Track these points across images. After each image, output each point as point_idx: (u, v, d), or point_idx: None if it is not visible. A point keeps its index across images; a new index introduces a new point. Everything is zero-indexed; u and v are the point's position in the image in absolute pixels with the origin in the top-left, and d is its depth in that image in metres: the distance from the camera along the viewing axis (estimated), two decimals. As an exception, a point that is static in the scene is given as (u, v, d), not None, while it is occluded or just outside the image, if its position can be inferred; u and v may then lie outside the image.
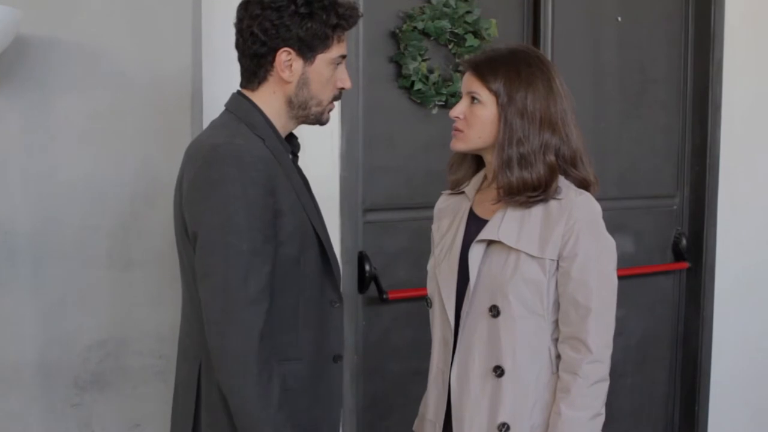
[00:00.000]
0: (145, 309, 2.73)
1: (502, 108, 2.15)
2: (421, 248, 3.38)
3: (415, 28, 3.29)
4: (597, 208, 2.19)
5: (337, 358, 2.16)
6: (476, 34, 3.38)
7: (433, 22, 3.30)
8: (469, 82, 2.20)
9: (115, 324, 2.69)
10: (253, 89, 2.09)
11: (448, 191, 2.40)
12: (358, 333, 3.27)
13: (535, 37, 3.66)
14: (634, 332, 4.01)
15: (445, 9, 3.32)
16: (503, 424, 2.15)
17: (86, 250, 2.64)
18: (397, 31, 3.28)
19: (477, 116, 2.18)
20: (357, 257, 3.22)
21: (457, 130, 2.22)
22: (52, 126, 2.59)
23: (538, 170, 2.14)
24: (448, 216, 2.34)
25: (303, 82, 2.06)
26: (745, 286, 4.19)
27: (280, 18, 2.00)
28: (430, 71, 3.33)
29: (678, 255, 4.13)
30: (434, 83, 3.32)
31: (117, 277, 2.69)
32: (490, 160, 2.22)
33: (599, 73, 3.87)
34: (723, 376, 4.19)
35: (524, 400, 2.16)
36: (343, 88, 2.14)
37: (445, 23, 3.32)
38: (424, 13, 3.30)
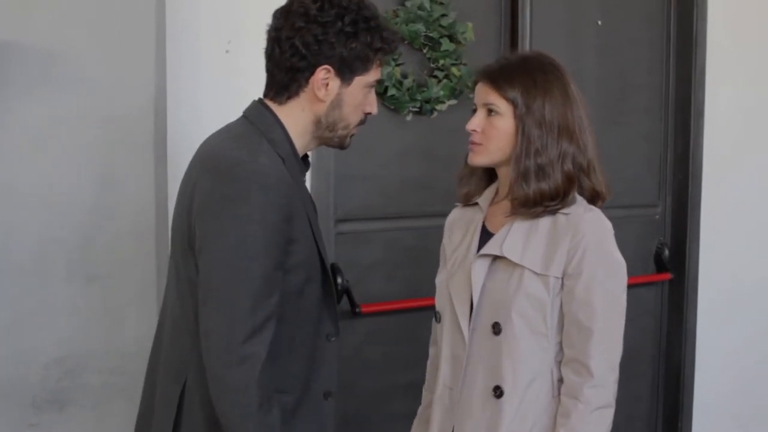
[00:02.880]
0: (107, 324, 2.71)
1: (520, 118, 2.16)
2: (395, 260, 3.40)
3: (388, 31, 3.29)
4: (607, 225, 2.20)
5: (327, 394, 2.13)
6: (452, 38, 3.39)
7: (407, 25, 3.31)
8: (485, 93, 2.21)
9: (76, 340, 2.68)
10: (280, 102, 2.05)
11: (461, 204, 2.39)
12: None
13: (513, 42, 3.67)
14: (616, 346, 4.02)
15: (420, 12, 3.33)
16: None
17: (45, 263, 2.62)
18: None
19: (496, 128, 2.19)
20: (329, 270, 3.22)
21: (475, 143, 2.22)
22: (9, 133, 2.57)
23: (556, 179, 2.16)
24: (460, 229, 2.34)
25: (336, 103, 2.04)
26: (729, 298, 4.22)
27: (324, 34, 1.98)
28: (404, 76, 3.34)
29: (660, 266, 4.16)
30: (408, 89, 3.33)
31: (77, 292, 2.67)
32: (506, 172, 2.23)
33: (579, 79, 3.80)
34: (707, 390, 4.22)
35: (522, 423, 2.15)
36: (369, 114, 2.13)
37: (420, 27, 3.33)
38: (398, 16, 3.32)
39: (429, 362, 2.45)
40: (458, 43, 3.41)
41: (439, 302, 2.32)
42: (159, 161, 2.75)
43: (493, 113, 2.19)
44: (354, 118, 2.09)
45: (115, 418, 2.73)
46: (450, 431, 2.25)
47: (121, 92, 2.69)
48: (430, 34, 3.37)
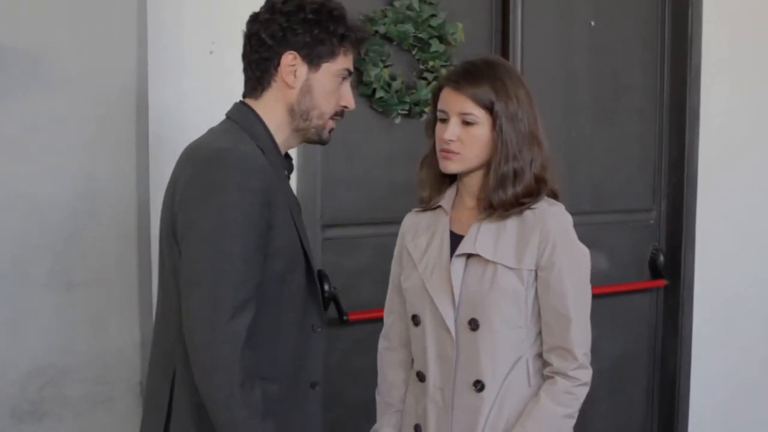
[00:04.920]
0: (88, 333, 2.72)
1: (499, 126, 2.26)
2: (384, 266, 3.37)
3: (376, 32, 3.31)
4: (570, 218, 2.33)
5: (315, 384, 2.24)
6: (441, 38, 3.41)
7: (395, 26, 3.33)
8: (459, 103, 2.28)
9: (56, 349, 2.68)
10: (256, 98, 2.17)
11: (419, 208, 2.48)
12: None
13: (504, 42, 3.69)
14: (610, 354, 4.04)
15: (409, 12, 3.34)
16: None
17: (25, 270, 2.63)
18: (358, 35, 3.29)
19: (474, 136, 2.27)
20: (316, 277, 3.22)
21: (451, 152, 2.29)
22: (-12, 136, 2.58)
23: (529, 181, 2.28)
24: (424, 233, 2.42)
25: (306, 89, 2.15)
26: (725, 304, 4.24)
27: (288, 22, 2.11)
28: (393, 78, 3.35)
29: (655, 272, 4.18)
30: (397, 91, 3.35)
31: (58, 299, 2.68)
32: (475, 176, 2.33)
33: (571, 80, 3.91)
34: (702, 398, 4.25)
35: (499, 413, 2.29)
36: (346, 107, 2.23)
37: (409, 27, 3.34)
38: (386, 16, 3.33)
39: (384, 360, 2.56)
40: (448, 44, 3.43)
41: (416, 306, 2.40)
42: (141, 164, 2.76)
43: (470, 122, 2.27)
44: (327, 106, 2.18)
45: (96, 428, 2.73)
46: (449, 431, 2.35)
47: (103, 93, 2.70)
48: (420, 35, 3.39)
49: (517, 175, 2.26)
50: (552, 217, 2.28)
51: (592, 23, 3.93)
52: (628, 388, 4.20)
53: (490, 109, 2.25)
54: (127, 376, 2.74)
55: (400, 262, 2.50)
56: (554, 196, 2.36)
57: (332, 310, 3.28)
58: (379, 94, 3.31)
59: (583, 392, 2.29)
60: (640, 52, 4.10)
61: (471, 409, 2.30)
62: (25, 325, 2.63)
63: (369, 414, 3.36)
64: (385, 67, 3.33)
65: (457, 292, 2.30)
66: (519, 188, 2.26)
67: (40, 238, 2.64)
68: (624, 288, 4.05)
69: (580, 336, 2.27)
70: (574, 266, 2.29)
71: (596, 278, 3.78)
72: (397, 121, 3.42)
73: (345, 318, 3.28)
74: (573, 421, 2.30)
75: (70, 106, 2.66)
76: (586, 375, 2.29)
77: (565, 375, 2.26)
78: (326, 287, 3.24)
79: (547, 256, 2.25)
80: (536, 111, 2.32)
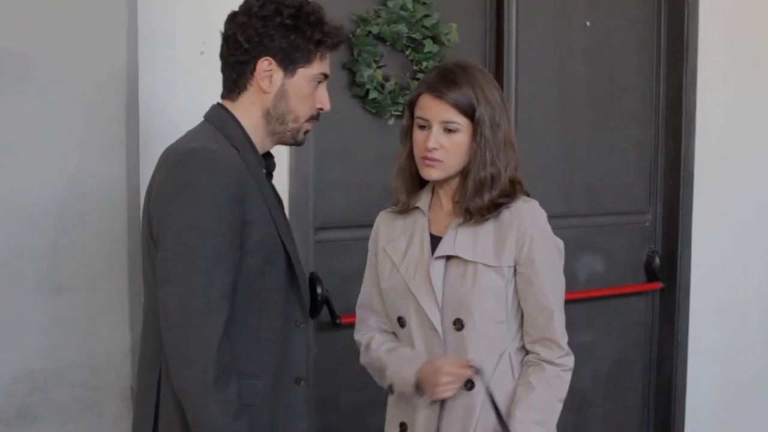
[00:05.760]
0: (77, 337, 2.70)
1: (479, 133, 2.30)
2: (376, 269, 3.39)
3: (369, 32, 3.30)
4: (544, 213, 2.40)
5: (300, 380, 2.24)
6: (435, 39, 3.41)
7: (389, 26, 3.32)
8: (442, 111, 2.31)
9: (44, 354, 2.66)
10: (233, 99, 2.21)
11: (392, 209, 2.52)
12: (309, 360, 3.26)
13: (499, 43, 3.69)
14: (605, 357, 4.03)
15: (402, 12, 3.34)
16: None
17: (11, 273, 2.61)
18: (351, 35, 3.29)
19: (456, 144, 2.32)
20: (308, 279, 3.21)
21: (435, 160, 2.32)
22: (-26, 137, 2.56)
23: (504, 185, 2.34)
24: (402, 234, 2.47)
25: (281, 94, 2.18)
26: (721, 307, 4.24)
27: (264, 27, 2.14)
28: (386, 79, 3.35)
29: (651, 275, 4.18)
30: (390, 92, 3.34)
31: (46, 303, 2.66)
32: (456, 180, 2.38)
33: (567, 82, 3.91)
34: (699, 402, 4.24)
35: (490, 410, 2.33)
36: (321, 109, 2.26)
37: (402, 28, 3.34)
38: (379, 16, 3.32)
39: (375, 334, 2.55)
40: (442, 44, 3.42)
41: (400, 308, 2.44)
42: (131, 166, 2.75)
43: (452, 130, 2.31)
44: (302, 110, 2.22)
45: (85, 434, 2.72)
46: (435, 430, 2.38)
47: (92, 95, 2.68)
48: (413, 35, 3.38)
49: (494, 179, 2.32)
50: (528, 214, 2.35)
51: (588, 24, 3.92)
52: (624, 391, 4.19)
53: (471, 116, 2.30)
54: (116, 381, 2.72)
55: (376, 261, 2.53)
56: (524, 194, 2.42)
57: (325, 313, 3.27)
58: (372, 95, 3.31)
59: (569, 377, 2.38)
60: (637, 54, 4.10)
61: (462, 407, 2.35)
62: (13, 329, 2.61)
63: (362, 417, 3.36)
64: (379, 67, 3.32)
65: (439, 293, 2.35)
66: (495, 192, 2.33)
67: (29, 241, 2.62)
68: (620, 291, 4.04)
69: (561, 325, 2.37)
70: (551, 259, 2.37)
71: (592, 281, 3.80)
72: (391, 122, 3.41)
73: (338, 321, 3.27)
74: (561, 405, 2.38)
75: (58, 107, 2.64)
76: (571, 361, 2.38)
77: (552, 362, 2.35)
78: (319, 290, 3.24)
79: (526, 252, 2.32)
80: (509, 114, 2.38)
